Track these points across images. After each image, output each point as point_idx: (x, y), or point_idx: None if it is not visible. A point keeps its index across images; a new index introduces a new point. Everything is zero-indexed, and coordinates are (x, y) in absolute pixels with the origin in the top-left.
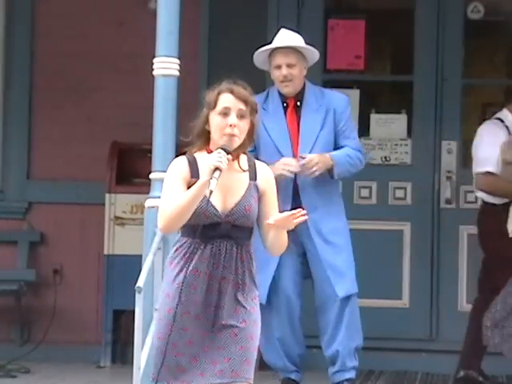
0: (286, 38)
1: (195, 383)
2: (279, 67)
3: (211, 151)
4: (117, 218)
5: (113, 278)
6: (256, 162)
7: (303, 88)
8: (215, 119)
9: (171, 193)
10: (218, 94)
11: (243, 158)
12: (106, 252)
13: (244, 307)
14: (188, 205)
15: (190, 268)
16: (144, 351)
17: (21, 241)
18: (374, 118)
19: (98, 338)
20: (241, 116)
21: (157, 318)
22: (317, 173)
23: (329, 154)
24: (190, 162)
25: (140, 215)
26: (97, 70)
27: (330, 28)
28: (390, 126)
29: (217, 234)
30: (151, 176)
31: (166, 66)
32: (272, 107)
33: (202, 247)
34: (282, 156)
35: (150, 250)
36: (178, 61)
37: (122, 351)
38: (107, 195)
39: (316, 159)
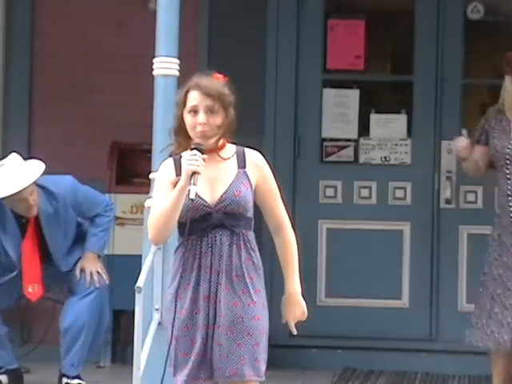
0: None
1: (208, 375)
2: None
3: None
4: (117, 218)
5: (113, 278)
6: (246, 150)
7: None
8: (186, 118)
9: (156, 203)
10: (187, 91)
11: (229, 147)
12: (106, 252)
13: (242, 301)
14: (170, 212)
15: (189, 265)
16: (144, 351)
17: None
18: (374, 117)
19: None
20: (210, 111)
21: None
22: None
23: (90, 252)
24: (175, 162)
25: (140, 215)
26: (97, 70)
27: (329, 28)
28: (389, 125)
29: (209, 224)
30: (151, 176)
31: (165, 65)
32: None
33: (198, 242)
34: None
35: (150, 249)
36: (177, 61)
37: (122, 351)
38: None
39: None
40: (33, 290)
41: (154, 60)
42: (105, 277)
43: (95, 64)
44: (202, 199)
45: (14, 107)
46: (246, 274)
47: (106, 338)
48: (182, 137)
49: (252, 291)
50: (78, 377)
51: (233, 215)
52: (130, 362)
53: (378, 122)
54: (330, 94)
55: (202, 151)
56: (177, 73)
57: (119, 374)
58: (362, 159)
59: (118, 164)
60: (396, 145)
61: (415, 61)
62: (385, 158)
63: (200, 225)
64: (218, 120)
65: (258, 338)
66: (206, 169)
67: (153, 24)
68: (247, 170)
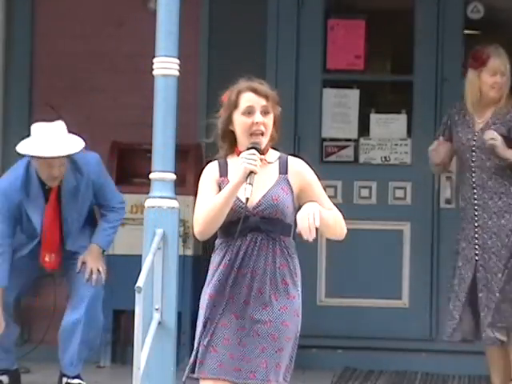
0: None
1: (229, 377)
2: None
3: (240, 152)
4: None
5: (113, 278)
6: (289, 157)
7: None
8: (240, 119)
9: (203, 199)
10: (239, 93)
11: (272, 152)
12: (106, 252)
13: (272, 305)
14: (221, 207)
15: (225, 265)
16: (144, 351)
17: None
18: (374, 117)
19: None
20: (265, 112)
21: (200, 317)
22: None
23: (96, 246)
24: (220, 164)
25: (140, 215)
26: (97, 70)
27: (329, 28)
28: (389, 125)
29: (246, 227)
30: (151, 176)
31: (166, 66)
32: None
33: (234, 243)
34: None
35: (150, 249)
36: (177, 61)
37: (122, 351)
38: None
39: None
40: (49, 259)
41: (154, 60)
42: (103, 276)
43: (95, 64)
44: (241, 201)
45: (14, 107)
46: (280, 280)
47: (105, 338)
48: (226, 140)
49: (284, 297)
50: (78, 376)
51: (270, 220)
52: (130, 362)
53: (378, 122)
54: (330, 93)
55: (259, 151)
56: (177, 73)
57: (119, 374)
58: (361, 159)
59: (118, 164)
60: (396, 145)
61: (415, 61)
62: (385, 157)
63: (237, 227)
64: (270, 121)
65: (282, 344)
66: None
67: (153, 24)
68: (289, 176)
